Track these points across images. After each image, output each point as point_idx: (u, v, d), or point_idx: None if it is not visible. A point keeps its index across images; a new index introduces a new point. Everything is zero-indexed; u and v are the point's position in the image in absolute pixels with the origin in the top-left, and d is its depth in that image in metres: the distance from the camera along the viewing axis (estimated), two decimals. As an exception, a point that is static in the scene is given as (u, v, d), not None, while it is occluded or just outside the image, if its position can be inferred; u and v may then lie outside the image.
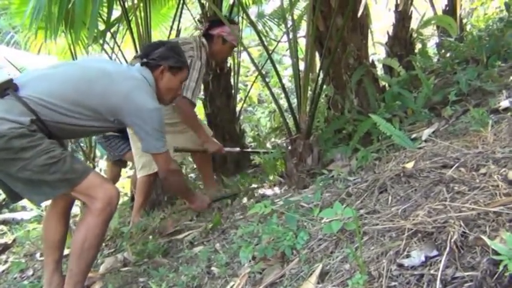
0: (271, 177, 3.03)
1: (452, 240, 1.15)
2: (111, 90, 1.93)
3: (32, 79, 1.90)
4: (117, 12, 4.60)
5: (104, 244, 3.10)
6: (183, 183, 2.34)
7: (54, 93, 1.85)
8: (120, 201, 4.45)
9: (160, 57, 2.15)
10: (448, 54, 4.34)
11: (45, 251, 2.13)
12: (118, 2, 4.02)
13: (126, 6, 4.23)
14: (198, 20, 4.24)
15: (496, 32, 3.33)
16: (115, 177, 4.36)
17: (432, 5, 4.62)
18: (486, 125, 2.20)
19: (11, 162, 1.74)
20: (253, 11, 5.73)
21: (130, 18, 4.01)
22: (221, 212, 2.66)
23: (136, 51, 3.68)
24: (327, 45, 3.17)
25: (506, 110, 2.51)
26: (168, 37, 4.17)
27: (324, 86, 3.26)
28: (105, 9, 4.11)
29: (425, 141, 2.67)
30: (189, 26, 6.14)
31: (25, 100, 1.79)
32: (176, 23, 4.21)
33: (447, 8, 4.83)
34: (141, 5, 3.83)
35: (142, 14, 3.85)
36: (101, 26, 4.40)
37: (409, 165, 1.95)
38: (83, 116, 1.90)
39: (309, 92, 2.89)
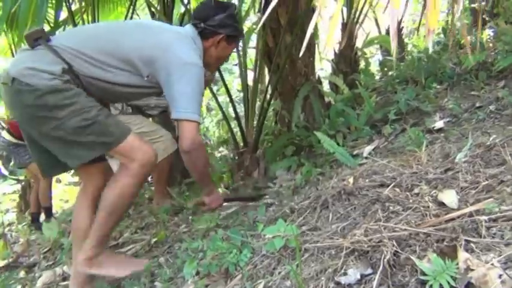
0: (218, 190, 3.05)
1: (385, 260, 1.22)
2: (148, 40, 1.79)
3: (68, 32, 1.83)
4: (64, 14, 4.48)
5: (41, 256, 3.01)
6: (207, 161, 2.02)
7: (87, 44, 1.75)
8: (59, 211, 4.31)
9: (220, 25, 1.95)
10: (390, 73, 4.57)
11: (75, 241, 1.99)
12: (65, 4, 3.92)
13: (73, 8, 4.15)
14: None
15: (434, 55, 3.54)
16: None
17: (377, 24, 4.83)
18: (421, 144, 2.34)
19: (43, 120, 1.66)
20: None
21: (77, 21, 3.93)
22: (166, 225, 2.65)
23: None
24: (275, 61, 3.25)
25: (440, 130, 2.68)
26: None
27: (272, 101, 3.34)
28: (52, 11, 4.01)
29: (366, 158, 2.80)
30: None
31: (56, 49, 1.70)
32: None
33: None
34: (90, 8, 3.77)
35: (90, 17, 3.79)
36: (48, 28, 4.28)
37: (349, 181, 2.05)
38: (116, 69, 1.77)
39: (257, 104, 2.94)
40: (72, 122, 1.66)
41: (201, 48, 1.95)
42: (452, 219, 1.35)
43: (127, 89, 1.86)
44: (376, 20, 4.95)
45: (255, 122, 2.77)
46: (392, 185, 1.80)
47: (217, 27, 1.96)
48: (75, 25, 3.88)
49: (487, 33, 3.65)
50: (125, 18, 4.28)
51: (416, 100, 3.13)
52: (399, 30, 5.24)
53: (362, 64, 4.30)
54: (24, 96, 1.63)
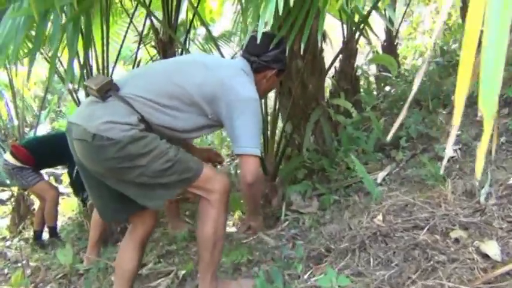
0: (235, 215, 3.10)
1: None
2: (209, 78, 1.81)
3: (129, 78, 1.80)
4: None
5: (57, 282, 3.00)
6: (261, 194, 2.14)
7: (152, 89, 1.76)
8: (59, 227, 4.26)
9: (273, 60, 1.99)
10: (387, 88, 4.69)
11: (118, 282, 2.01)
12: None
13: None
14: (153, 46, 4.19)
15: (437, 78, 3.66)
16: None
17: (369, 43, 4.92)
18: (439, 177, 2.44)
19: (126, 170, 1.67)
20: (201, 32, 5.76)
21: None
22: (188, 253, 2.68)
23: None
24: (286, 85, 3.31)
25: (451, 159, 2.80)
26: (116, 61, 4.04)
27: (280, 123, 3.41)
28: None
29: (381, 184, 2.89)
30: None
31: (128, 100, 1.71)
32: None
33: (385, 43, 5.18)
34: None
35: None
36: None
37: (379, 218, 2.13)
38: (184, 113, 1.79)
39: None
40: (155, 166, 1.69)
41: (253, 82, 1.99)
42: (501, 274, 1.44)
43: (194, 133, 1.90)
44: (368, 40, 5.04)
45: (274, 150, 2.82)
46: (427, 228, 1.88)
47: (270, 62, 2.00)
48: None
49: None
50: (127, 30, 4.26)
51: (423, 124, 3.23)
52: (393, 44, 5.38)
53: (362, 81, 4.40)
54: (107, 151, 1.64)
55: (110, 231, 3.59)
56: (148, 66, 2.00)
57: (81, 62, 3.34)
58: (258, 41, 1.93)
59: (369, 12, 3.03)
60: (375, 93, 4.63)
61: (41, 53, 3.98)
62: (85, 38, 2.75)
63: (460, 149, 2.90)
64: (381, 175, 2.94)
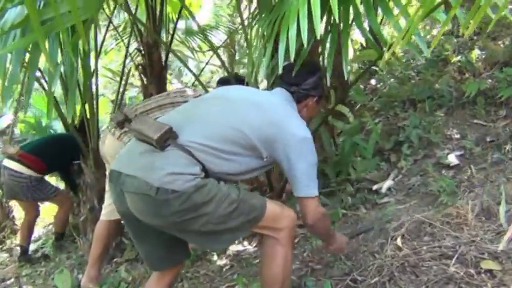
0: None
1: None
2: (264, 120, 1.71)
3: (182, 122, 1.66)
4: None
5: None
6: (329, 227, 2.00)
7: (211, 135, 1.64)
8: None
9: (313, 88, 1.90)
10: (373, 81, 4.66)
11: None
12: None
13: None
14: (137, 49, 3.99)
15: (429, 76, 3.65)
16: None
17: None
18: (452, 192, 2.44)
19: (192, 220, 1.57)
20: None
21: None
22: (198, 278, 2.61)
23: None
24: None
25: (455, 166, 2.81)
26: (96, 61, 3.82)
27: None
28: None
29: (386, 194, 2.88)
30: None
31: (188, 148, 1.59)
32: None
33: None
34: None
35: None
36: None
37: (399, 243, 2.12)
38: (242, 157, 1.69)
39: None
40: (220, 212, 1.59)
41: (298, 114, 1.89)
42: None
43: (247, 175, 1.80)
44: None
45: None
46: (456, 257, 1.87)
47: (310, 90, 1.90)
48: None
49: (476, 53, 3.80)
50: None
51: (421, 127, 3.22)
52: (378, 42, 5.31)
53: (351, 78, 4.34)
54: (171, 204, 1.53)
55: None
56: (200, 106, 1.83)
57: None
58: (294, 71, 1.86)
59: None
60: (361, 86, 4.58)
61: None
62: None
63: (462, 155, 2.91)
64: (386, 185, 2.93)
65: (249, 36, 2.42)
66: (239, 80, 2.80)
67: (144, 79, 3.96)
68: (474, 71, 3.64)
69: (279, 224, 1.74)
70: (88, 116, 3.35)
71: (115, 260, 3.36)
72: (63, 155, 3.70)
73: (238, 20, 7.09)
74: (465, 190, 2.49)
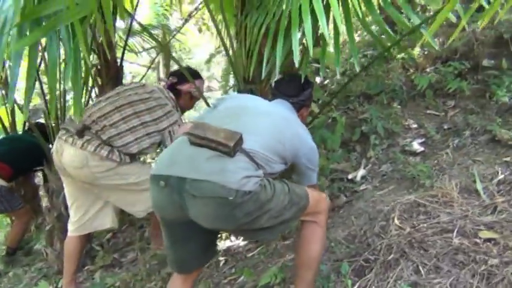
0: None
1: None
2: (293, 134, 1.90)
3: (242, 131, 1.68)
4: None
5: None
6: None
7: (267, 146, 1.75)
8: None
9: (308, 99, 2.14)
10: (317, 79, 4.88)
11: None
12: None
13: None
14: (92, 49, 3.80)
15: (380, 72, 3.93)
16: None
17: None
18: (431, 176, 2.69)
19: (258, 219, 1.66)
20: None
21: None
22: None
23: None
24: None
25: (421, 153, 3.09)
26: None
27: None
28: None
29: (362, 182, 3.08)
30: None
31: (251, 155, 1.68)
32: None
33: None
34: None
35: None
36: None
37: (398, 223, 2.30)
38: (276, 164, 1.82)
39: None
40: (280, 205, 1.71)
41: None
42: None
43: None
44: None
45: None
46: (455, 231, 2.09)
47: (306, 100, 2.13)
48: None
49: (417, 50, 4.16)
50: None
51: (381, 118, 3.47)
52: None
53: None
54: (246, 205, 1.60)
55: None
56: (245, 116, 1.89)
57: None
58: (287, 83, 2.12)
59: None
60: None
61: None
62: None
63: (424, 142, 3.20)
64: (360, 174, 3.13)
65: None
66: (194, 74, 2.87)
67: (99, 80, 3.80)
68: (417, 66, 3.99)
69: (319, 207, 1.91)
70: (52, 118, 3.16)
71: (86, 268, 3.21)
72: (32, 157, 3.45)
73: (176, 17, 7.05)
74: (438, 173, 2.75)
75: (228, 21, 3.16)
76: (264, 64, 2.27)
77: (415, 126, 3.41)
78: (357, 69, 2.13)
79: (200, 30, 6.92)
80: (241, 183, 1.56)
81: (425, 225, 2.21)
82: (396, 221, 2.32)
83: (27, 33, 1.98)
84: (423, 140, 3.22)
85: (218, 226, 1.69)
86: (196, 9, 6.27)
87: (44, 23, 1.98)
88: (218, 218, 1.61)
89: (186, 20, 5.97)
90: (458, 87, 3.39)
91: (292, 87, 2.09)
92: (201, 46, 8.17)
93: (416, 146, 3.16)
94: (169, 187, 1.61)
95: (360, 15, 2.09)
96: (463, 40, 3.63)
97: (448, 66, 3.55)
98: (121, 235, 3.63)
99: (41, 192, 4.38)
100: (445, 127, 3.23)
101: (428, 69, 3.87)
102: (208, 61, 7.29)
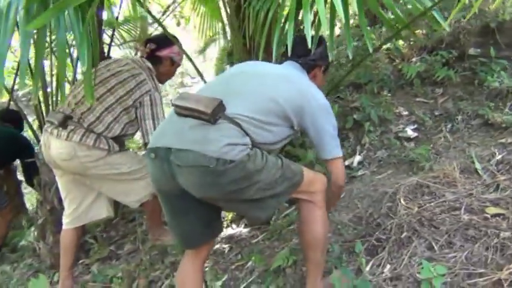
0: (229, 216, 3.02)
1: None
2: (293, 90, 1.79)
3: (225, 97, 1.65)
4: None
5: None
6: None
7: (254, 108, 1.69)
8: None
9: (319, 58, 2.00)
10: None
11: None
12: None
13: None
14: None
15: (368, 62, 3.99)
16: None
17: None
18: (429, 160, 2.75)
19: (245, 189, 1.64)
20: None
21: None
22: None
23: None
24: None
25: (414, 138, 3.16)
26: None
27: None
28: None
29: (360, 168, 3.13)
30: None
31: (236, 120, 1.64)
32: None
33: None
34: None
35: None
36: None
37: (404, 203, 2.35)
38: (275, 126, 1.75)
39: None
40: (270, 178, 1.68)
41: None
42: None
43: (279, 144, 1.84)
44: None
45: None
46: (463, 208, 2.15)
47: (318, 60, 2.01)
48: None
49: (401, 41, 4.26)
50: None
51: (372, 107, 3.53)
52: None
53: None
54: (230, 174, 1.58)
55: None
56: (233, 81, 1.84)
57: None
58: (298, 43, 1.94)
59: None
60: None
61: None
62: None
63: (417, 128, 3.28)
64: (356, 160, 3.18)
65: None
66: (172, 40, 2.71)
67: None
68: (403, 57, 4.08)
69: (314, 187, 1.87)
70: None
71: (81, 261, 3.12)
72: (10, 152, 3.33)
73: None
74: (435, 157, 2.83)
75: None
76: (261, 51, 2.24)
77: (406, 113, 3.48)
78: (350, 56, 2.08)
79: (178, 24, 6.83)
80: (222, 151, 1.56)
81: (432, 204, 2.27)
82: (402, 202, 2.36)
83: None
84: (415, 126, 3.29)
85: (206, 194, 1.68)
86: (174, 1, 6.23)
87: (51, 5, 1.91)
88: (203, 186, 1.63)
89: (164, 13, 5.90)
90: (446, 75, 3.48)
91: (301, 47, 1.96)
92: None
93: (410, 132, 3.23)
94: (159, 158, 1.66)
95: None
96: (448, 30, 3.73)
97: (435, 55, 3.64)
98: (113, 229, 3.55)
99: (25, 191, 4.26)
100: (436, 113, 3.31)
101: (414, 59, 3.96)
102: (203, 51, 7.23)
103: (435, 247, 2.00)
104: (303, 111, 1.79)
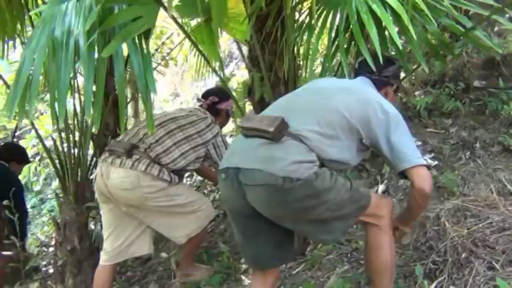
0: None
1: None
2: (358, 100, 1.76)
3: (287, 114, 1.66)
4: None
5: None
6: None
7: (315, 121, 1.69)
8: None
9: (393, 76, 2.02)
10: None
11: None
12: None
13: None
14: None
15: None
16: None
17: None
18: (459, 185, 2.81)
19: (313, 208, 1.64)
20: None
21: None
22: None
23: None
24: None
25: (435, 166, 3.22)
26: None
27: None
28: None
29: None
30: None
31: (300, 137, 1.65)
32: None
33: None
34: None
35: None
36: None
37: (450, 225, 2.36)
38: (341, 141, 1.71)
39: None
40: (339, 199, 1.67)
41: None
42: None
43: (348, 163, 1.83)
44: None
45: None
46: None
47: (391, 78, 2.01)
48: None
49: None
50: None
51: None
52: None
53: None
54: (296, 192, 1.59)
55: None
56: (296, 98, 1.88)
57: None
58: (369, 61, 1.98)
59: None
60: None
61: None
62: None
63: (434, 157, 3.35)
64: (380, 188, 3.20)
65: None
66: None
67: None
68: (406, 91, 4.22)
69: (381, 211, 1.85)
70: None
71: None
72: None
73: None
74: (462, 182, 2.89)
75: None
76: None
77: (419, 143, 3.56)
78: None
79: (167, 65, 6.86)
80: (288, 169, 1.58)
81: (479, 226, 2.30)
82: (448, 225, 2.38)
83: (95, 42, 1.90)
84: (433, 155, 3.37)
85: (273, 212, 1.69)
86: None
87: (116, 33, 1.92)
88: (270, 204, 1.65)
89: (153, 55, 5.95)
90: (454, 106, 3.62)
91: (374, 64, 1.97)
92: (164, 80, 8.08)
93: (429, 160, 3.29)
94: (229, 178, 1.69)
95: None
96: (451, 64, 3.91)
97: (439, 88, 3.80)
98: (128, 269, 3.40)
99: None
100: (452, 142, 3.41)
101: (417, 93, 4.11)
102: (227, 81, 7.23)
103: (496, 266, 2.02)
104: (371, 123, 1.73)
